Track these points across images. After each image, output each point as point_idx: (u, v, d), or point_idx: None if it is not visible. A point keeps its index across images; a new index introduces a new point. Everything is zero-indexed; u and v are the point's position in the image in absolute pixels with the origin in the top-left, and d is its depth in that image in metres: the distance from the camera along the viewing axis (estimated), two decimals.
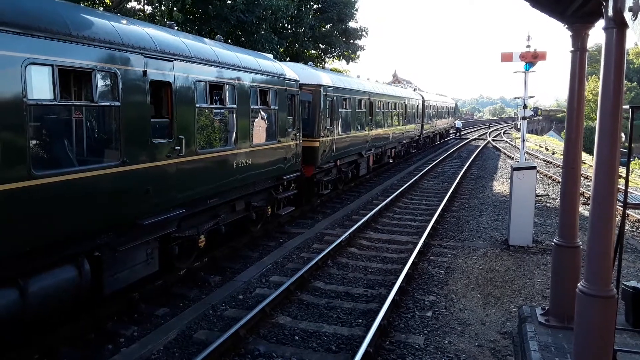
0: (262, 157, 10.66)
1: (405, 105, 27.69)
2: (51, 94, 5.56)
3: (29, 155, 5.24)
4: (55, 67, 5.52)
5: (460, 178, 21.31)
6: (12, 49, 5.06)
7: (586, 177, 20.78)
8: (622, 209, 5.59)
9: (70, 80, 6.24)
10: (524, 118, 16.65)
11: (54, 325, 6.58)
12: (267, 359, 6.27)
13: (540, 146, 41.41)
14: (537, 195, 14.55)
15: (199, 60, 8.31)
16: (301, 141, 13.15)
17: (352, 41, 32.88)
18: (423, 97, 34.18)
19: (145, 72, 6.95)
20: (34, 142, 5.57)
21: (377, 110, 21.43)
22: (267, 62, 11.36)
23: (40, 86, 5.49)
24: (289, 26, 28.05)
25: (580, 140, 6.42)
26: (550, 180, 22.04)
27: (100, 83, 6.31)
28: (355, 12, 32.01)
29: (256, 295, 8.31)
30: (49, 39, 5.47)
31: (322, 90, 14.79)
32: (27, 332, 6.24)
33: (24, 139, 5.18)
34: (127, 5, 18.05)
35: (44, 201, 5.46)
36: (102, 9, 15.77)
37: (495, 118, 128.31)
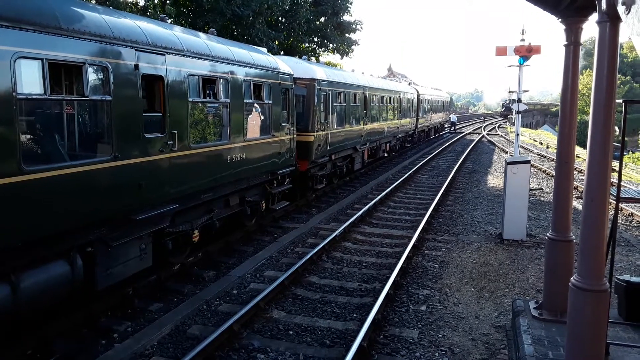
0: (256, 152, 10.62)
1: (400, 99, 27.66)
2: (41, 88, 5.49)
3: (19, 150, 5.18)
4: (45, 60, 5.45)
5: (454, 172, 21.35)
6: (1, 43, 4.99)
7: (580, 171, 20.85)
8: (615, 203, 5.60)
9: (61, 74, 6.18)
10: (518, 112, 16.67)
11: (47, 320, 6.55)
12: (261, 353, 6.27)
13: (534, 140, 41.56)
14: (531, 190, 14.60)
15: (191, 54, 8.24)
16: (295, 135, 13.11)
17: (346, 35, 32.79)
18: (418, 91, 34.16)
19: (136, 66, 6.88)
20: (24, 136, 5.51)
21: (372, 105, 21.40)
22: (260, 56, 11.30)
23: (30, 80, 5.43)
24: (284, 20, 27.91)
25: (573, 134, 6.42)
26: (544, 174, 22.12)
27: (92, 77, 6.24)
28: (350, 5, 31.88)
29: (250, 290, 8.29)
30: (38, 33, 5.40)
31: (316, 84, 14.73)
32: (19, 327, 6.20)
33: (14, 133, 5.12)
34: None
35: (35, 196, 5.41)
36: (93, 1, 15.60)
37: (490, 112, 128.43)
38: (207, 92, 9.07)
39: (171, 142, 7.65)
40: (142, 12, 20.95)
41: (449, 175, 20.44)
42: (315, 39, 31.75)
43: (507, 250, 10.74)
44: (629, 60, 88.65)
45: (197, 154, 8.45)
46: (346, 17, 32.49)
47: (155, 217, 7.36)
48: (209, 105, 9.04)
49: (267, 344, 6.49)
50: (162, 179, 7.53)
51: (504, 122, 69.70)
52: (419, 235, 11.20)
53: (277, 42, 26.07)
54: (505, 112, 75.17)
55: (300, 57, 19.29)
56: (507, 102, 74.65)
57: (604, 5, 4.17)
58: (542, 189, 18.33)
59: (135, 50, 6.90)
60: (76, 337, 6.57)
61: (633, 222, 14.10)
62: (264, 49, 12.97)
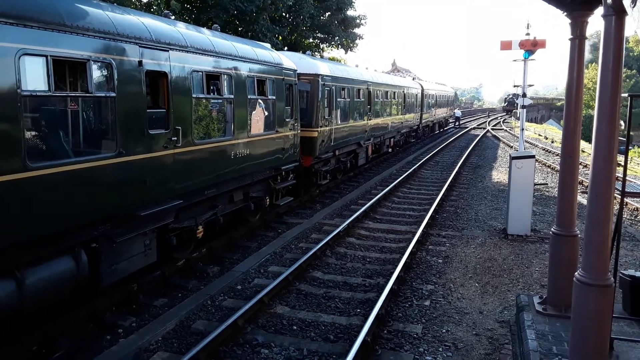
0: (260, 148, 10.63)
1: (404, 94, 27.58)
2: (46, 85, 5.51)
3: (24, 147, 5.21)
4: (49, 57, 5.46)
5: (459, 167, 21.30)
6: (5, 40, 5.00)
7: (585, 166, 20.77)
8: (620, 197, 5.58)
9: (65, 71, 6.18)
10: (523, 107, 16.60)
11: (52, 316, 6.59)
12: (265, 348, 6.29)
13: (539, 135, 41.37)
14: (535, 184, 14.55)
15: (195, 50, 8.24)
16: (299, 131, 13.09)
17: (350, 30, 32.71)
18: (422, 86, 34.05)
19: (140, 62, 6.89)
20: (29, 133, 5.53)
21: (376, 100, 21.35)
22: (264, 52, 11.28)
23: (35, 77, 5.44)
24: (288, 15, 27.85)
25: (578, 128, 6.39)
26: (549, 169, 22.03)
27: (96, 73, 6.26)
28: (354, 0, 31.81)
29: (255, 286, 8.32)
30: (42, 29, 5.41)
31: (320, 80, 14.71)
32: (25, 323, 6.25)
33: (19, 130, 5.15)
34: None
35: (40, 193, 5.43)
36: None
37: (494, 107, 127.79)
38: (211, 88, 9.07)
39: (175, 138, 7.66)
40: (146, 8, 20.94)
41: (453, 170, 20.39)
42: (319, 34, 31.67)
43: (512, 246, 10.72)
44: (635, 54, 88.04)
45: (201, 150, 8.46)
46: (350, 12, 32.42)
47: (159, 213, 7.38)
48: (212, 101, 9.04)
49: (271, 339, 6.52)
50: (166, 175, 7.55)
51: (509, 118, 68.90)
52: (422, 230, 11.19)
53: (280, 38, 26.06)
54: (508, 107, 74.19)
55: (304, 52, 19.24)
56: (510, 96, 73.80)
57: None
58: (546, 184, 18.27)
59: (139, 46, 6.91)
60: (81, 333, 6.60)
61: (638, 217, 14.04)
62: (268, 45, 12.94)
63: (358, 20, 32.95)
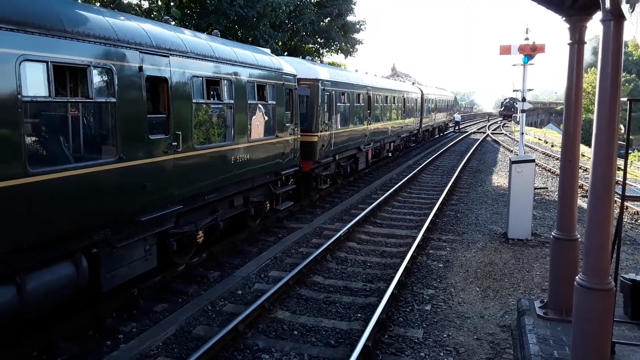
0: (260, 152, 10.64)
1: (404, 99, 27.62)
2: (46, 91, 5.53)
3: (25, 153, 5.21)
4: (50, 63, 5.48)
5: (459, 171, 21.30)
6: (6, 46, 5.02)
7: (585, 170, 20.77)
8: (620, 201, 5.58)
9: (66, 77, 6.22)
10: (522, 111, 16.61)
11: (53, 321, 6.58)
12: (266, 353, 6.27)
13: (539, 139, 41.39)
14: (536, 188, 14.54)
15: (195, 56, 8.26)
16: (299, 136, 13.12)
17: (350, 35, 32.78)
18: (422, 91, 34.10)
19: (141, 68, 6.91)
20: (30, 139, 5.54)
21: (376, 104, 21.38)
22: (264, 57, 11.32)
23: (35, 83, 5.47)
24: (288, 21, 27.91)
25: (578, 132, 6.40)
26: (549, 173, 22.04)
27: (96, 79, 6.27)
28: (354, 5, 31.90)
29: (255, 291, 8.31)
30: (43, 35, 5.43)
31: (320, 85, 14.74)
32: (25, 329, 6.23)
33: (19, 136, 5.15)
34: (124, 1, 17.92)
35: (40, 198, 5.44)
36: (98, 4, 15.68)
37: (494, 111, 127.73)
38: (211, 93, 9.10)
39: (175, 143, 7.67)
40: (146, 14, 21.01)
41: (453, 174, 20.40)
42: (319, 40, 31.74)
43: (512, 250, 10.71)
44: (634, 58, 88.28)
45: (201, 155, 8.47)
46: (350, 18, 32.50)
47: (159, 218, 7.38)
48: (212, 106, 9.06)
49: (271, 344, 6.51)
50: (166, 180, 7.56)
51: (508, 122, 68.60)
52: (423, 234, 11.18)
53: (280, 43, 26.10)
54: (505, 111, 73.55)
55: (303, 57, 19.30)
56: (508, 100, 73.35)
57: (608, 4, 4.16)
58: (547, 188, 18.26)
59: (140, 52, 6.93)
60: (82, 338, 6.59)
61: (639, 221, 14.03)
62: (268, 50, 12.99)
63: (358, 26, 33.04)
